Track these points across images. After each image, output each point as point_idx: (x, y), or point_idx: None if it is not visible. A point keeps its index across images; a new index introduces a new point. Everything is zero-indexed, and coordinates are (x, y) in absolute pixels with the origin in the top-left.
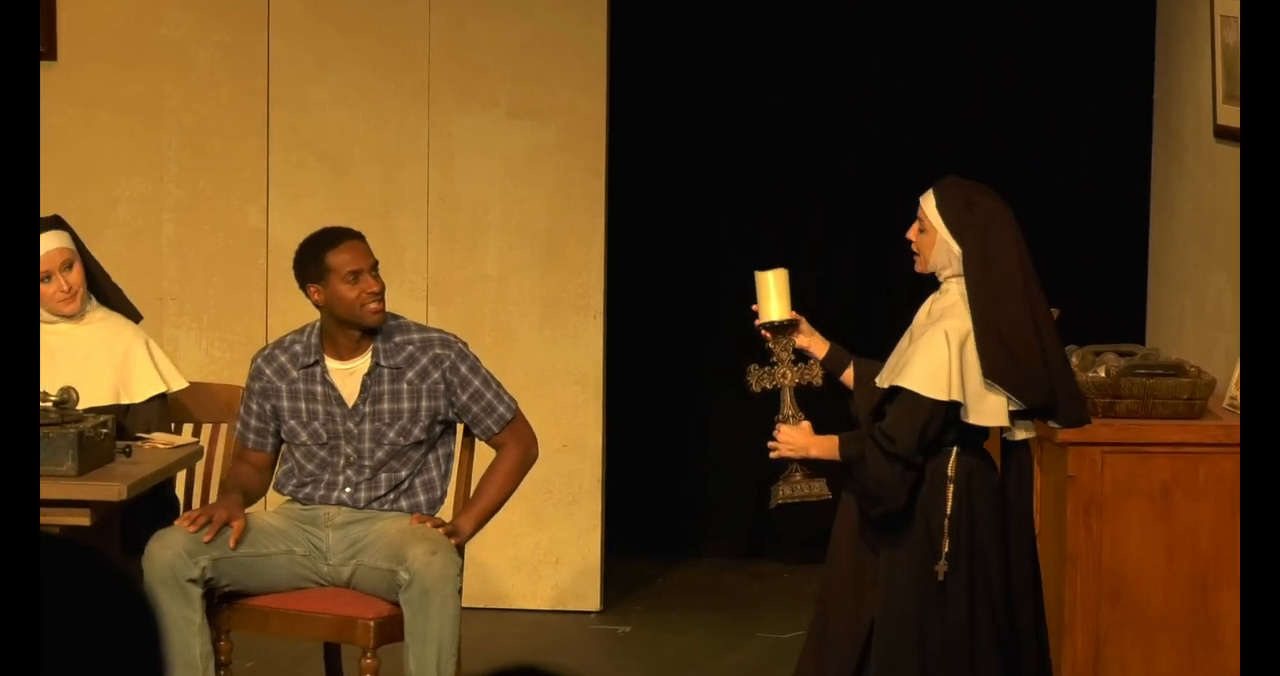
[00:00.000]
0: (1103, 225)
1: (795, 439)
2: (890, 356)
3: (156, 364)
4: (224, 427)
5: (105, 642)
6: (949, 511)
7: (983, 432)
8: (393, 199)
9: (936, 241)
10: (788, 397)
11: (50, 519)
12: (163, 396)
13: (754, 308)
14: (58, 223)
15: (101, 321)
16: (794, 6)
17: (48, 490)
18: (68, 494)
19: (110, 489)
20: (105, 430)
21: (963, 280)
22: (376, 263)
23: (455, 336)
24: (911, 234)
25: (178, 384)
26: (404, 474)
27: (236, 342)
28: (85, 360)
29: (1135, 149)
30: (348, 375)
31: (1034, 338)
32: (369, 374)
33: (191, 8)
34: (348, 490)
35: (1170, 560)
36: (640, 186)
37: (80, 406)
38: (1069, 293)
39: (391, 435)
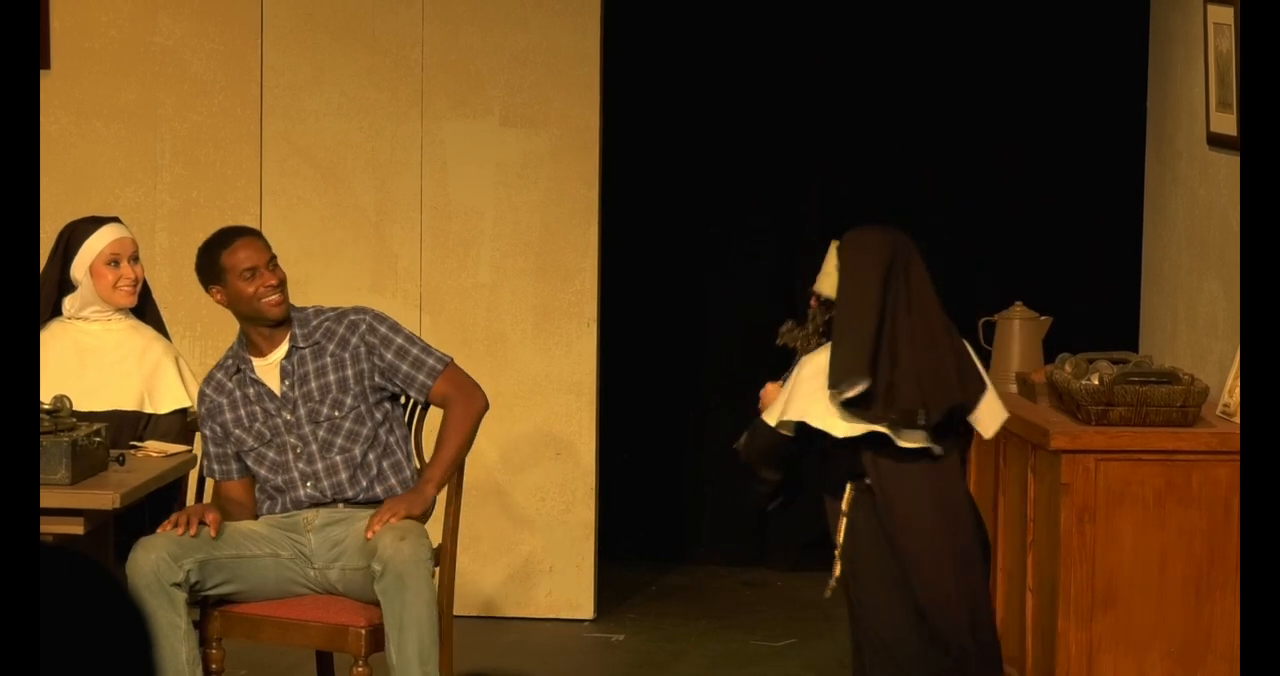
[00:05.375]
0: (1096, 232)
1: (770, 394)
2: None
3: (184, 380)
4: None
5: (98, 649)
6: (839, 540)
7: (887, 459)
8: (386, 207)
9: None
10: (797, 360)
11: (44, 527)
12: (183, 412)
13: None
14: (118, 221)
15: (134, 330)
16: (788, 17)
17: (41, 498)
18: (61, 502)
19: (104, 497)
20: (99, 439)
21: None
22: (274, 257)
23: (366, 306)
24: None
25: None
26: (358, 452)
27: None
28: (115, 364)
29: (1128, 156)
30: (270, 368)
31: (868, 343)
32: (286, 359)
33: (185, 16)
34: (309, 484)
35: (1164, 568)
36: (634, 195)
37: (103, 408)
38: (1062, 300)
39: (325, 410)
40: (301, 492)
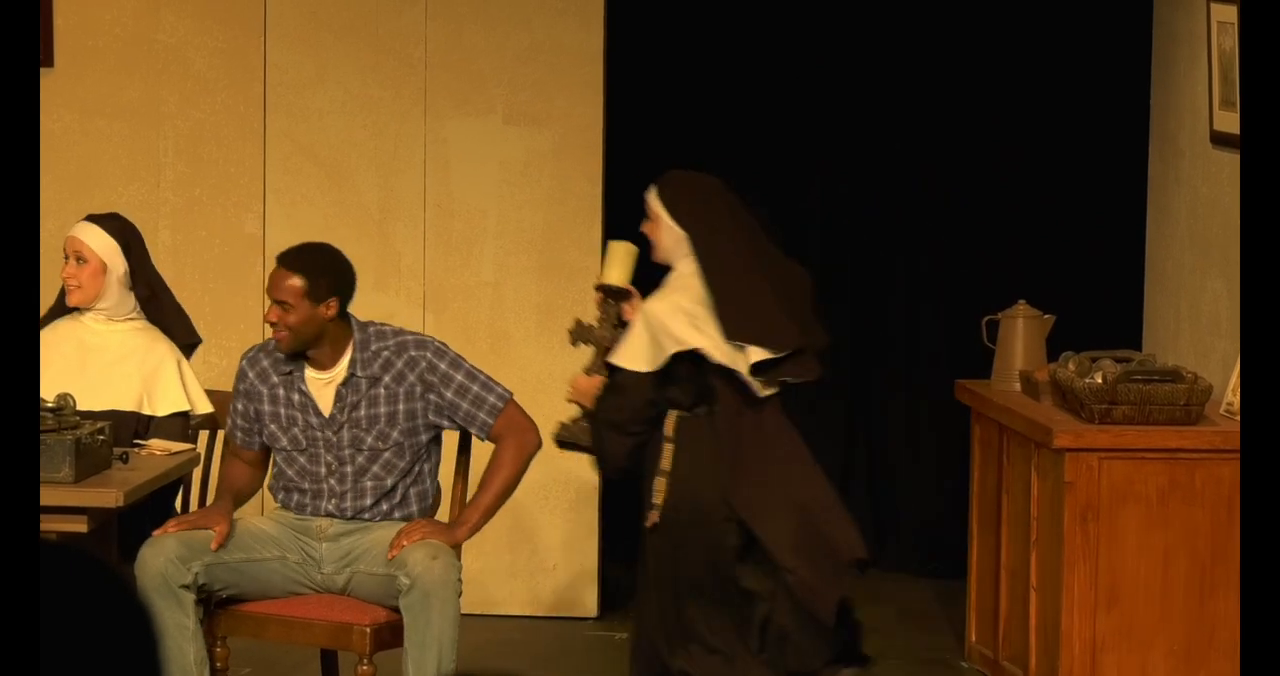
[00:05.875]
0: (1099, 231)
1: (581, 385)
2: None
3: (185, 383)
4: (220, 435)
5: (103, 647)
6: (666, 467)
7: (715, 394)
8: (389, 205)
9: (662, 228)
10: (598, 355)
11: (48, 525)
12: (185, 415)
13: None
14: (106, 220)
15: (139, 332)
16: (791, 16)
17: (45, 496)
18: (65, 500)
19: (107, 495)
20: (102, 437)
21: (691, 259)
22: (293, 297)
23: (431, 338)
24: (645, 227)
25: (203, 407)
26: (389, 482)
27: (233, 349)
28: (116, 364)
29: (1132, 155)
30: (324, 385)
31: (769, 295)
32: (344, 384)
33: (188, 13)
34: (333, 501)
35: (1167, 566)
36: (638, 193)
37: (102, 407)
38: (1066, 299)
39: (370, 440)
40: (323, 504)
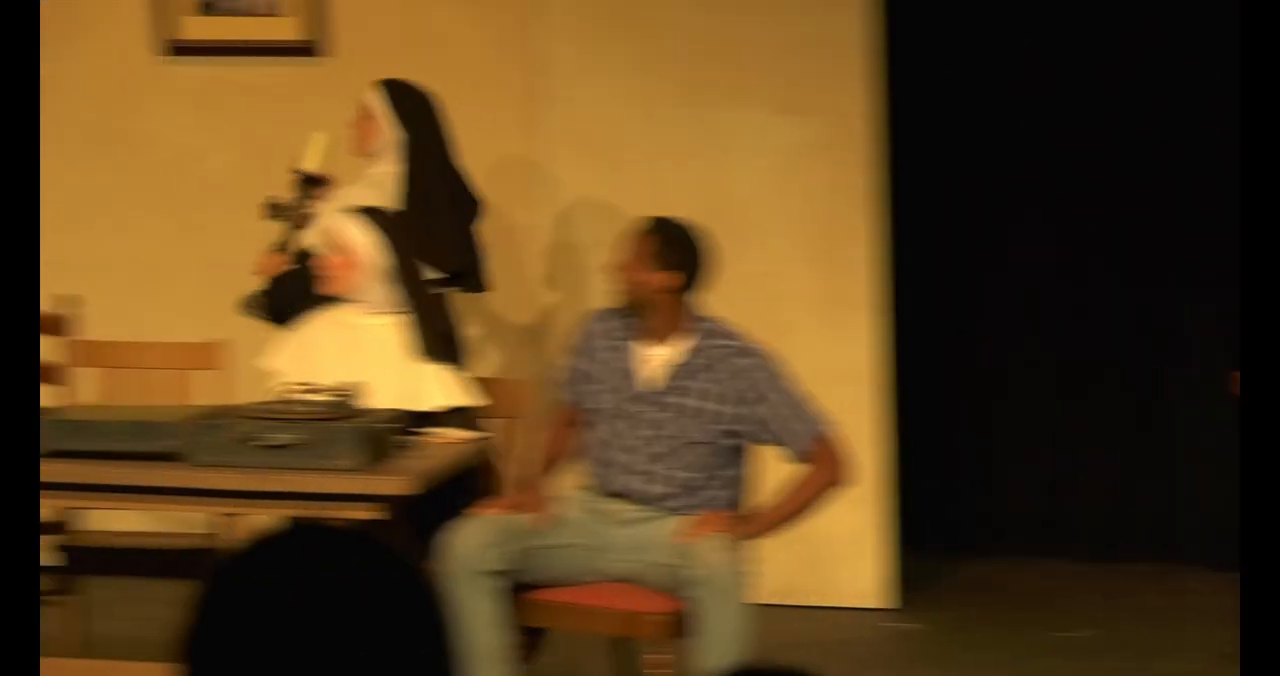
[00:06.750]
0: None
1: (263, 262)
2: None
3: (445, 379)
4: (511, 424)
5: (392, 632)
6: None
7: None
8: (661, 195)
9: (377, 129)
10: (285, 233)
11: (338, 512)
12: (462, 409)
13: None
14: (372, 213)
15: (400, 328)
16: (1074, 2)
17: (334, 484)
18: (355, 488)
19: (397, 483)
20: (391, 425)
21: (399, 162)
22: (644, 253)
23: (766, 351)
24: (356, 124)
25: (464, 400)
26: (685, 476)
27: (523, 341)
28: (374, 361)
29: None
30: (652, 360)
31: (451, 212)
32: (676, 365)
33: (459, 3)
34: (629, 478)
35: None
36: (923, 182)
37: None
38: None
39: (671, 428)
40: (619, 478)
